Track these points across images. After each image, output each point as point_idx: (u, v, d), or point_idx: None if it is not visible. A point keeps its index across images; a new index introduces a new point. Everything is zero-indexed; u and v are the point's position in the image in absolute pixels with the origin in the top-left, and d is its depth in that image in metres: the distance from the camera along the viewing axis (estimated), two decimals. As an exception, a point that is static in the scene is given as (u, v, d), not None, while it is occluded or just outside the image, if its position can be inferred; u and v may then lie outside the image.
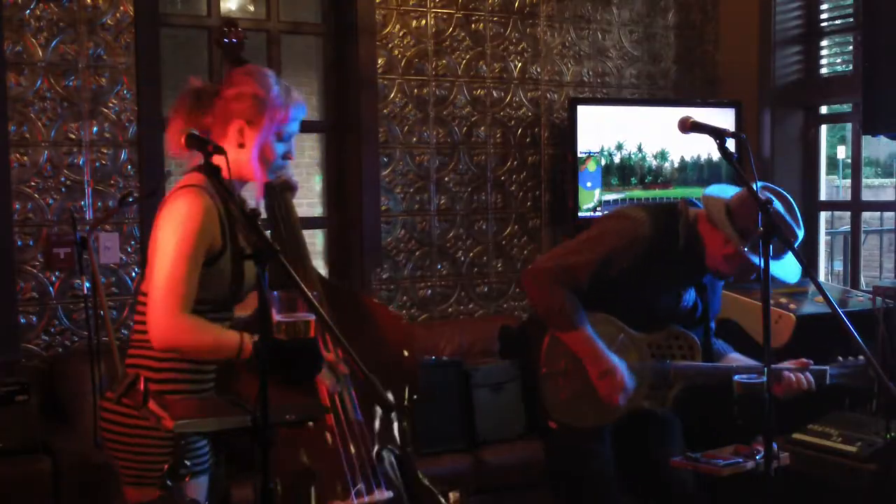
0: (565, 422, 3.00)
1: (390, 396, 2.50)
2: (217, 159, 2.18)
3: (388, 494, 2.47)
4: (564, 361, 2.97)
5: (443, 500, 2.62)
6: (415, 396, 2.74)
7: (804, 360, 3.01)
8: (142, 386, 2.25)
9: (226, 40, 2.65)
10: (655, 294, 2.98)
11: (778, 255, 2.84)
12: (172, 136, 2.45)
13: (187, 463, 2.27)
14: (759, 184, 2.93)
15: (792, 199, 2.91)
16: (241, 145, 2.45)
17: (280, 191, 2.70)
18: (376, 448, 2.57)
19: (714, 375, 2.99)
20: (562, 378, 2.98)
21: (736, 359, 3.12)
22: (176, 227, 2.31)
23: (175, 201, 2.36)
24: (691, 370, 2.98)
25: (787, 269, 2.85)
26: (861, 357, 2.91)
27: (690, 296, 3.06)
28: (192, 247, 2.30)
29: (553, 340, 2.99)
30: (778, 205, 2.85)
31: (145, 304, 2.34)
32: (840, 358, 3.02)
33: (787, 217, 2.84)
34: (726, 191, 2.94)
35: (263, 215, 2.53)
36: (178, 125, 2.46)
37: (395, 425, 2.67)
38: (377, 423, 2.61)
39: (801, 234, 2.87)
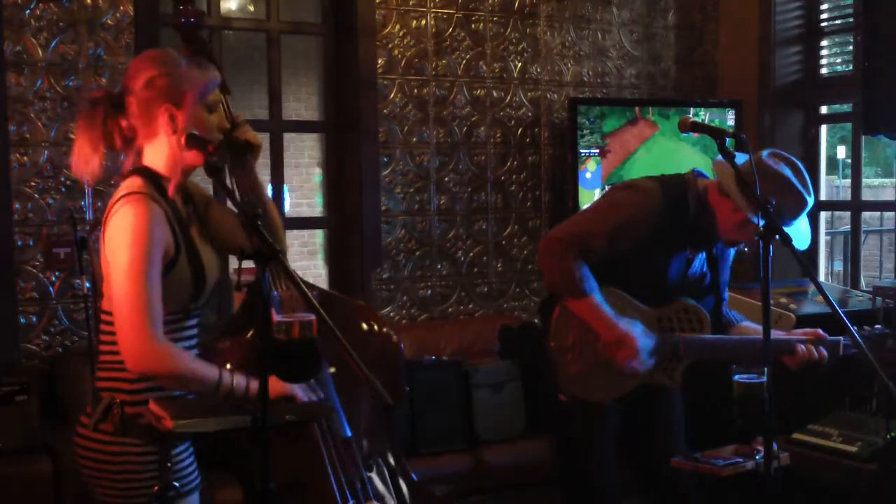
0: (576, 395, 3.00)
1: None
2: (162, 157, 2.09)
3: None
4: (573, 336, 2.98)
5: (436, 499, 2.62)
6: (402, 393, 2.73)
7: (818, 331, 2.99)
8: (117, 411, 2.21)
9: (182, 20, 2.48)
10: (665, 265, 2.97)
11: (789, 221, 2.85)
12: (80, 157, 2.28)
13: (176, 484, 2.21)
14: (767, 151, 2.95)
15: (801, 165, 2.93)
16: (174, 131, 2.25)
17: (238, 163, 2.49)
18: (367, 458, 2.55)
19: (722, 349, 2.98)
20: (571, 353, 2.98)
21: (746, 328, 3.11)
22: (126, 242, 2.15)
23: (118, 213, 2.19)
24: (699, 343, 2.98)
25: (797, 234, 2.86)
26: (878, 326, 2.92)
27: (698, 265, 3.06)
28: (147, 262, 2.14)
29: (563, 314, 2.99)
30: (787, 170, 2.87)
31: (111, 324, 2.21)
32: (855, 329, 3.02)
33: (797, 183, 2.86)
34: (738, 159, 2.94)
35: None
36: (86, 142, 2.28)
37: (382, 430, 2.65)
38: (367, 436, 2.59)
39: (810, 200, 2.89)
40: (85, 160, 2.28)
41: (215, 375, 2.21)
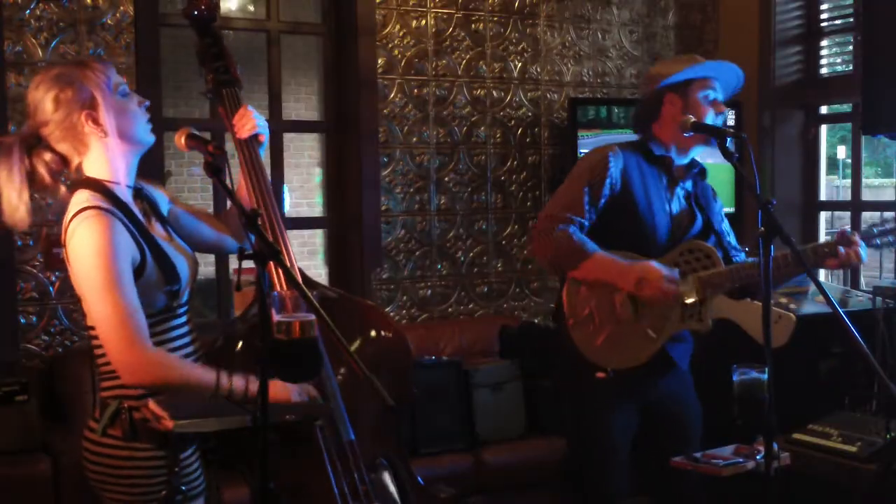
0: (611, 365, 2.96)
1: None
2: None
3: None
4: (588, 307, 2.98)
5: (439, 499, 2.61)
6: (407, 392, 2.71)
7: (845, 229, 2.97)
8: (125, 416, 2.20)
9: (195, 12, 2.44)
10: (648, 210, 3.00)
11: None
12: (7, 208, 2.20)
13: (183, 489, 2.22)
14: None
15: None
16: (105, 132, 2.23)
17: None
18: (371, 460, 2.54)
19: (741, 276, 2.93)
20: (591, 323, 2.98)
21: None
22: (92, 260, 2.13)
23: (77, 232, 2.16)
24: (716, 277, 2.94)
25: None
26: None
27: (679, 203, 3.08)
28: (118, 274, 2.13)
29: (571, 289, 3.00)
30: None
31: (98, 338, 2.22)
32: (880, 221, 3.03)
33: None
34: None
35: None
36: (11, 191, 2.20)
37: (388, 431, 2.64)
38: (371, 437, 2.58)
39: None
40: (12, 211, 2.21)
41: (212, 379, 2.21)
